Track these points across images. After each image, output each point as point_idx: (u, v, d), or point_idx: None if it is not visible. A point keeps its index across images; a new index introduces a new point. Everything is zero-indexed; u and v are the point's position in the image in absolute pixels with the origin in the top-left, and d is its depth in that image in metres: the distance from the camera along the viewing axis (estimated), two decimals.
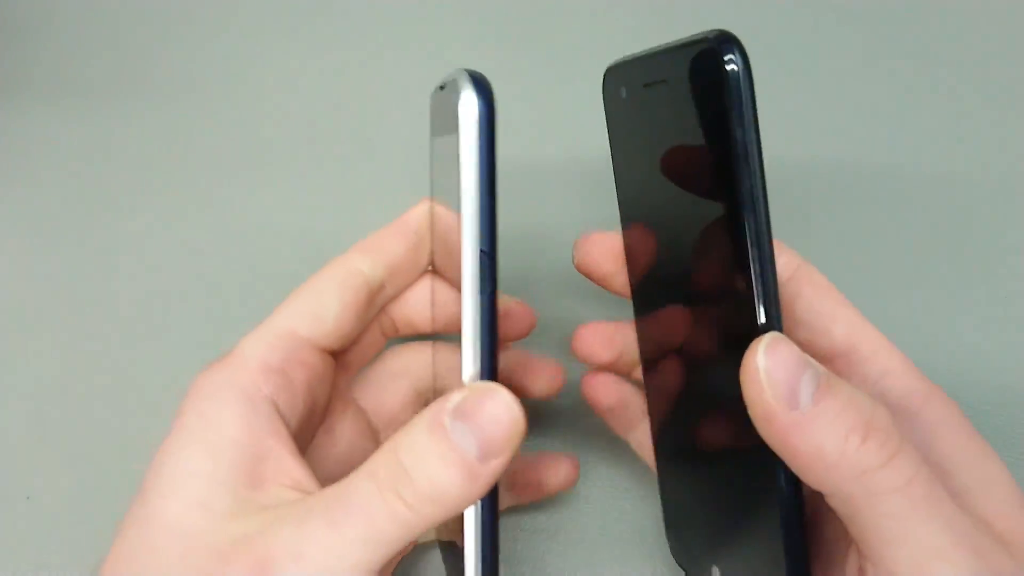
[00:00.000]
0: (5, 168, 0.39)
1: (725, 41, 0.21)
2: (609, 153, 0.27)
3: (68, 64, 0.42)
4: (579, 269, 0.28)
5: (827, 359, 0.24)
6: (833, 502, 0.20)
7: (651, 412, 0.27)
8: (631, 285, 0.27)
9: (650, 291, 0.27)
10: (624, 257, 0.28)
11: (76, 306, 0.37)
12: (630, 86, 0.25)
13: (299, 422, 0.25)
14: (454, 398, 0.22)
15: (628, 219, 0.27)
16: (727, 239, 0.22)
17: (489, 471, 0.21)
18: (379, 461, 0.22)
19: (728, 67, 0.21)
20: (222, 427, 0.23)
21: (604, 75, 0.27)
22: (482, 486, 0.21)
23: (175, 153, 0.40)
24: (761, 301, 0.21)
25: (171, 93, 0.42)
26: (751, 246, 0.21)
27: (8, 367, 0.36)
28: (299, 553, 0.21)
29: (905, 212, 0.37)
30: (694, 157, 0.23)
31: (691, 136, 0.23)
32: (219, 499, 0.22)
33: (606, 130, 0.27)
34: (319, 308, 0.26)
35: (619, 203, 0.27)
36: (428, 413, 0.22)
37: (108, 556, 0.22)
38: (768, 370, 0.20)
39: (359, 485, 0.21)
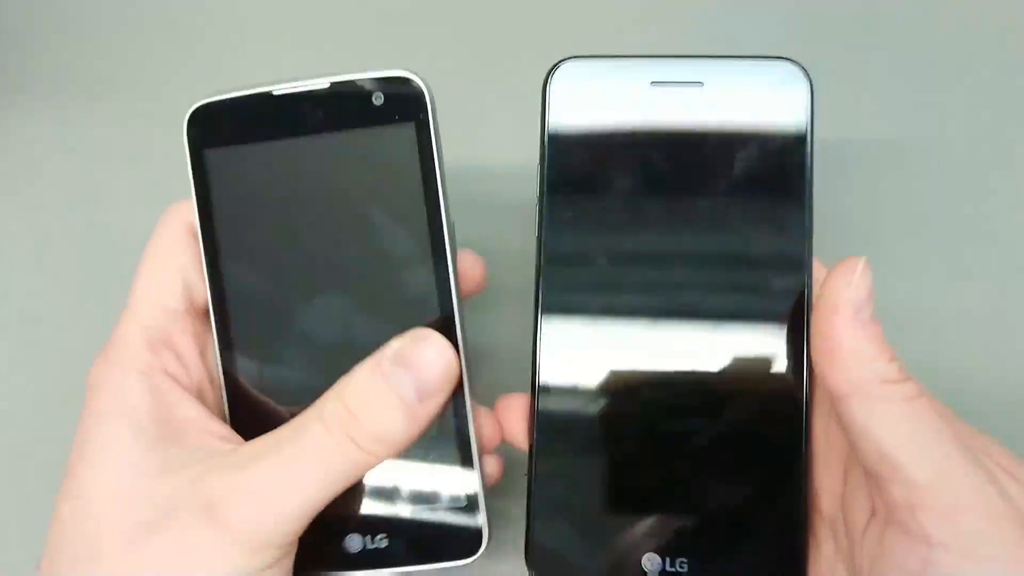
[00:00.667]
0: (6, 168, 0.39)
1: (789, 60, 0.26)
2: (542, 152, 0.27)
3: (68, 64, 0.42)
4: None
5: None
6: (850, 406, 0.22)
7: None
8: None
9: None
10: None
11: (77, 306, 0.37)
12: (619, 83, 0.26)
13: (201, 388, 0.26)
14: (393, 345, 0.23)
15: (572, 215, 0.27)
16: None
17: (426, 412, 0.23)
18: (326, 407, 0.23)
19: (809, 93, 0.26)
20: (132, 401, 0.24)
21: (556, 68, 0.27)
22: (421, 425, 0.23)
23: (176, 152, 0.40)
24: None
25: (172, 93, 0.42)
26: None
27: (8, 367, 0.36)
28: (252, 492, 0.22)
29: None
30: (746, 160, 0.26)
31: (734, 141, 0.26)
32: (149, 459, 0.23)
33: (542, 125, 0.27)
34: (177, 274, 0.26)
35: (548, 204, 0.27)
36: (370, 360, 0.24)
37: (48, 538, 0.23)
38: (862, 277, 0.22)
39: (309, 428, 0.23)
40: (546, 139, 0.27)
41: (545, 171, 0.27)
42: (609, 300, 0.27)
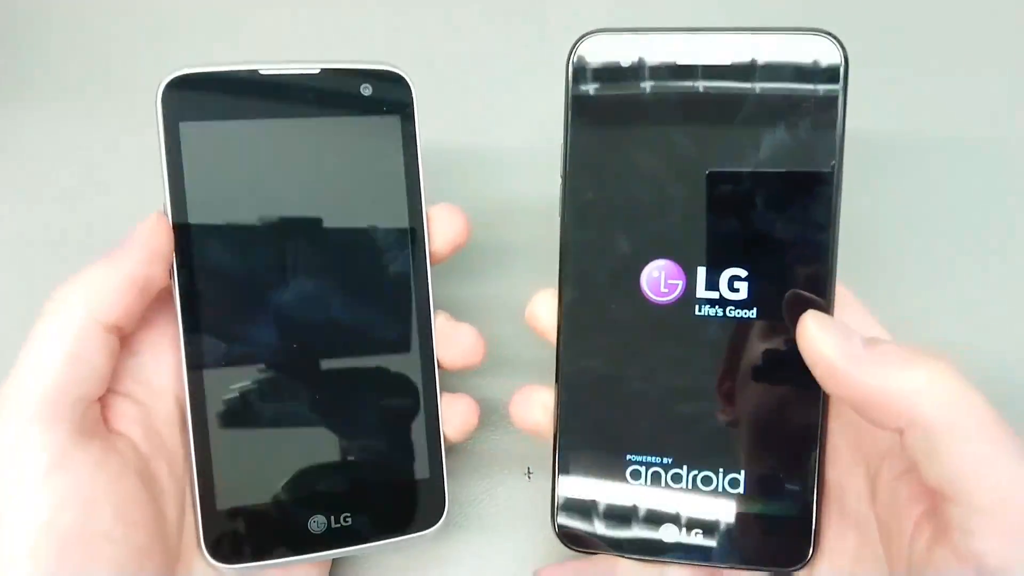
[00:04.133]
0: (8, 168, 0.39)
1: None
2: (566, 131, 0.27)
3: (70, 63, 0.42)
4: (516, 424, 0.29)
5: None
6: (913, 440, 0.21)
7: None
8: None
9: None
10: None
11: None
12: (649, 57, 0.26)
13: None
14: None
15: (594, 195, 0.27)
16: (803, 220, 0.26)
17: None
18: None
19: (844, 63, 0.25)
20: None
21: (581, 41, 0.27)
22: None
23: None
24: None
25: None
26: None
27: (9, 368, 0.36)
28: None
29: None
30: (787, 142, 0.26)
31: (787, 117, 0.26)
32: None
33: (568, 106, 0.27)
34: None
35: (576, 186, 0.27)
36: None
37: None
38: (823, 331, 0.23)
39: None
40: (569, 116, 0.27)
41: (568, 151, 0.27)
42: (631, 282, 0.27)
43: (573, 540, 0.28)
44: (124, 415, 0.26)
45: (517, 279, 0.35)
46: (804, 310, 0.24)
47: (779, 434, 0.27)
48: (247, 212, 0.28)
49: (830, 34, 0.26)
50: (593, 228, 0.27)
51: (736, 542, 0.27)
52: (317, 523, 0.28)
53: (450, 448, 0.30)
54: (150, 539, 0.24)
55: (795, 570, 0.27)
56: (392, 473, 0.29)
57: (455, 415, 0.29)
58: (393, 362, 0.29)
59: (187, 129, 0.27)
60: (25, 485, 0.22)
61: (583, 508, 0.28)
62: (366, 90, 0.28)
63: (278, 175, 0.28)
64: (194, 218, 0.27)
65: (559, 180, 0.28)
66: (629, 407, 0.28)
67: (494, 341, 0.31)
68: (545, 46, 0.40)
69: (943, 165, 0.38)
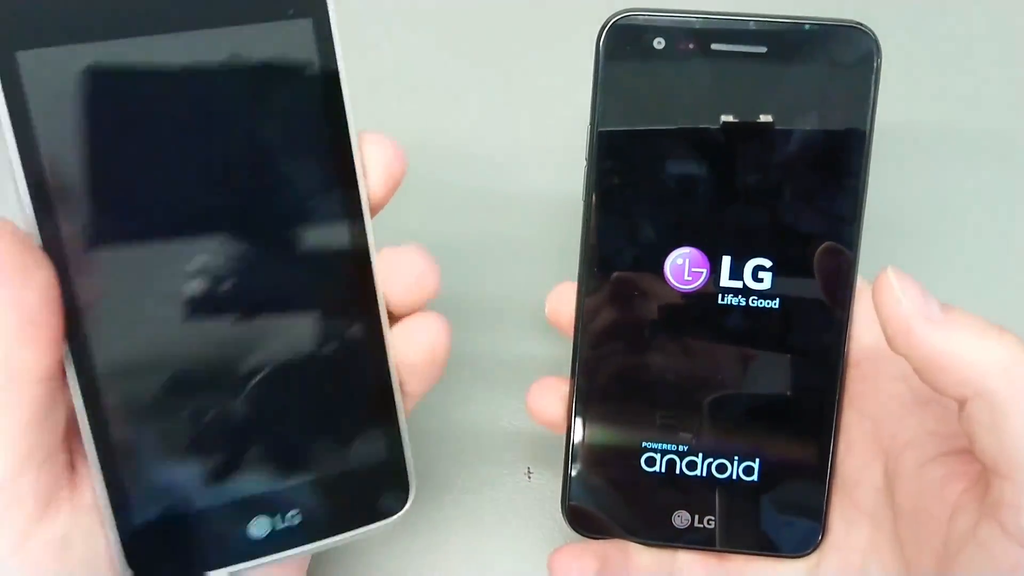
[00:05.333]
0: None
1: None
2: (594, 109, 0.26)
3: None
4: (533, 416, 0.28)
5: (855, 362, 0.27)
6: (976, 410, 0.21)
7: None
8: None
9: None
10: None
11: None
12: (682, 42, 0.26)
13: None
14: None
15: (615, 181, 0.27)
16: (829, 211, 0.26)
17: None
18: None
19: (877, 54, 0.25)
20: None
21: (612, 22, 0.26)
22: None
23: None
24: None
25: None
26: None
27: None
28: None
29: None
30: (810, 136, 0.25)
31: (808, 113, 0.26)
32: None
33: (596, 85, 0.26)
34: None
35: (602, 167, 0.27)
36: None
37: None
38: (903, 288, 0.22)
39: None
40: (598, 99, 0.26)
41: (595, 135, 0.26)
42: (655, 268, 0.27)
43: (583, 524, 0.28)
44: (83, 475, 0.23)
45: (525, 277, 0.34)
46: (836, 264, 0.25)
47: (794, 422, 0.27)
48: (120, 153, 0.22)
49: (863, 26, 0.26)
50: (618, 213, 0.27)
51: (748, 529, 0.27)
52: (258, 526, 0.24)
53: (421, 396, 0.26)
54: None
55: (804, 555, 0.27)
56: (341, 456, 0.25)
57: (417, 340, 0.25)
58: (328, 321, 0.24)
59: (25, 59, 0.20)
60: None
61: (594, 492, 0.28)
62: None
63: (163, 109, 0.22)
64: (51, 172, 0.21)
65: (583, 164, 0.27)
66: (646, 394, 0.28)
67: (502, 340, 0.30)
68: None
69: (962, 158, 0.38)
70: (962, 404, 0.22)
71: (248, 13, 0.22)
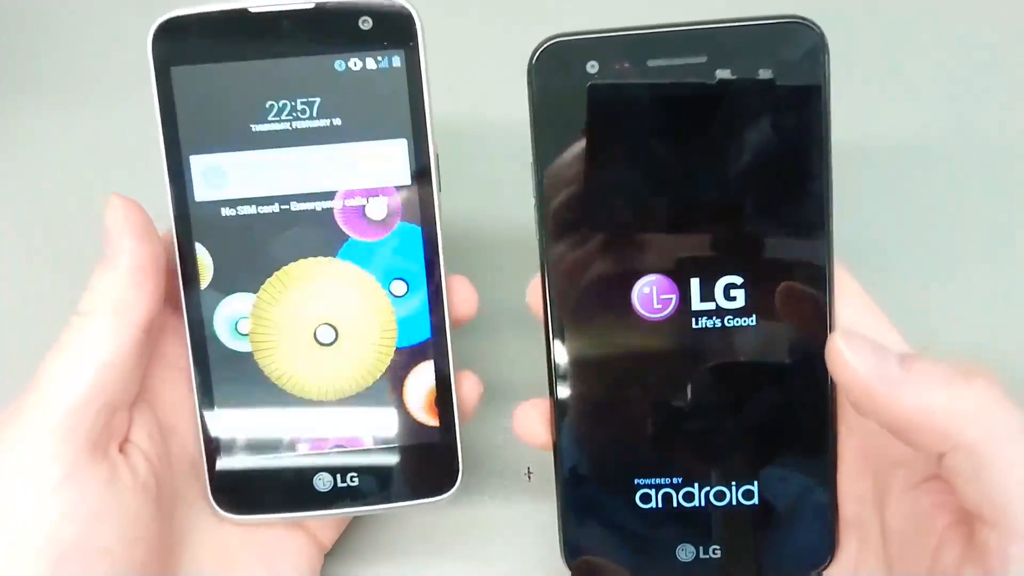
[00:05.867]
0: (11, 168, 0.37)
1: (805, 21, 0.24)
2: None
3: (75, 62, 0.39)
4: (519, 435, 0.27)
5: None
6: (955, 462, 0.20)
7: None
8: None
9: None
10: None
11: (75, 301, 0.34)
12: (616, 62, 0.24)
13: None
14: None
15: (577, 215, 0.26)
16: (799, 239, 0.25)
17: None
18: None
19: (824, 50, 0.23)
20: None
21: (542, 49, 0.24)
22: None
23: None
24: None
25: None
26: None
27: (9, 368, 0.34)
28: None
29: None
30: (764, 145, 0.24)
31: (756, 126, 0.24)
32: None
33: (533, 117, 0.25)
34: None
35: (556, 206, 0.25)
36: None
37: None
38: (854, 351, 0.21)
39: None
40: (536, 133, 0.25)
41: (540, 171, 0.25)
42: (622, 300, 0.25)
43: (584, 571, 0.27)
44: (140, 426, 0.26)
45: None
46: (800, 304, 0.24)
47: (790, 440, 0.26)
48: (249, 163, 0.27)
49: (805, 20, 0.24)
50: (576, 248, 0.26)
51: (756, 554, 0.26)
52: (323, 481, 0.27)
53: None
54: (149, 555, 0.25)
55: (817, 573, 0.26)
56: (403, 434, 0.28)
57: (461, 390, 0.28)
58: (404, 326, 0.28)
59: (179, 73, 0.26)
60: (33, 496, 0.23)
61: (594, 538, 0.27)
62: (365, 24, 0.26)
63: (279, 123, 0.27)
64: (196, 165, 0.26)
65: (533, 202, 0.26)
66: (632, 431, 0.26)
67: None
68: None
69: (947, 167, 0.37)
70: (940, 456, 0.21)
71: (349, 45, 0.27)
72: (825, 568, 0.26)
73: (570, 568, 0.27)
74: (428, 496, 0.28)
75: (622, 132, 0.25)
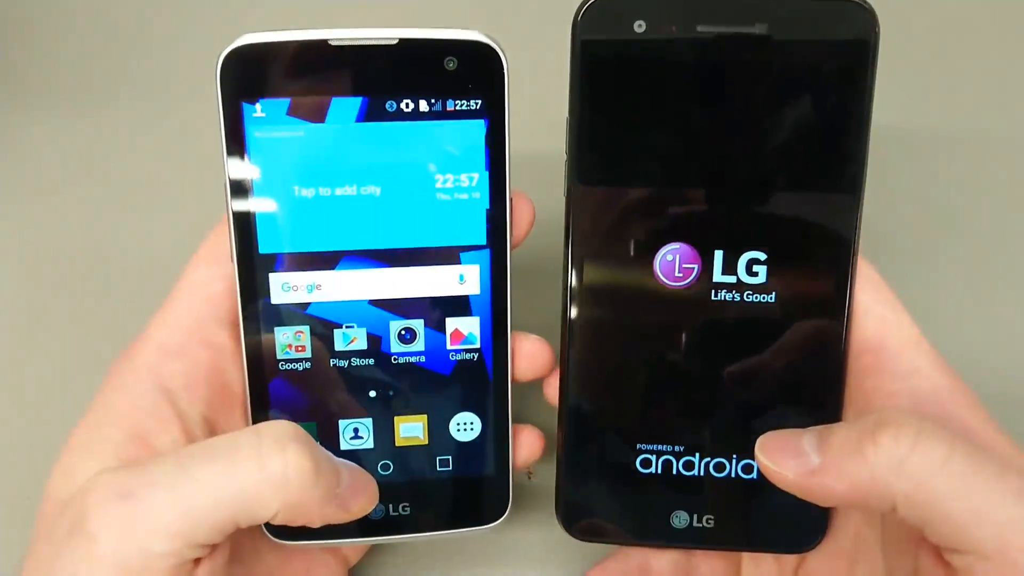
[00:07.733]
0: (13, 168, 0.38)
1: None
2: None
3: (76, 62, 0.40)
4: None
5: (856, 354, 0.25)
6: (905, 513, 0.20)
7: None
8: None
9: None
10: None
11: (77, 306, 0.36)
12: (664, 23, 0.24)
13: (205, 400, 0.24)
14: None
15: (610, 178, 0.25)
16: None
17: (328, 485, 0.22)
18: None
19: (875, 32, 0.23)
20: (113, 409, 0.23)
21: (589, 3, 0.24)
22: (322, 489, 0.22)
23: (182, 151, 0.38)
24: None
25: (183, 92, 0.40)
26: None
27: (7, 367, 0.35)
28: (126, 517, 0.20)
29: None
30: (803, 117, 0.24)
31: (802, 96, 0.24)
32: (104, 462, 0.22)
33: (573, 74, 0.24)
34: (216, 285, 0.25)
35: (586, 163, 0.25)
36: None
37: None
38: (775, 461, 0.22)
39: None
40: (576, 87, 0.24)
41: (575, 126, 0.24)
42: (645, 266, 0.26)
43: (578, 528, 0.27)
44: None
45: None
46: (834, 255, 0.24)
47: (795, 420, 0.26)
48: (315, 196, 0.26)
49: (861, 1, 0.24)
50: (603, 206, 0.25)
51: (750, 526, 0.27)
52: (377, 509, 0.26)
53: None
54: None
55: (807, 551, 0.27)
56: (456, 463, 0.28)
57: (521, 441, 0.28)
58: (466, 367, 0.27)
59: (249, 109, 0.24)
60: None
61: (589, 496, 0.27)
62: (450, 64, 0.25)
63: (352, 160, 0.25)
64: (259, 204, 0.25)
65: (563, 157, 0.25)
66: (638, 396, 0.27)
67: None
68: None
69: (959, 160, 0.37)
70: (893, 510, 0.21)
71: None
72: (811, 549, 0.26)
73: (565, 527, 0.27)
74: (476, 525, 0.28)
75: (663, 95, 0.24)
